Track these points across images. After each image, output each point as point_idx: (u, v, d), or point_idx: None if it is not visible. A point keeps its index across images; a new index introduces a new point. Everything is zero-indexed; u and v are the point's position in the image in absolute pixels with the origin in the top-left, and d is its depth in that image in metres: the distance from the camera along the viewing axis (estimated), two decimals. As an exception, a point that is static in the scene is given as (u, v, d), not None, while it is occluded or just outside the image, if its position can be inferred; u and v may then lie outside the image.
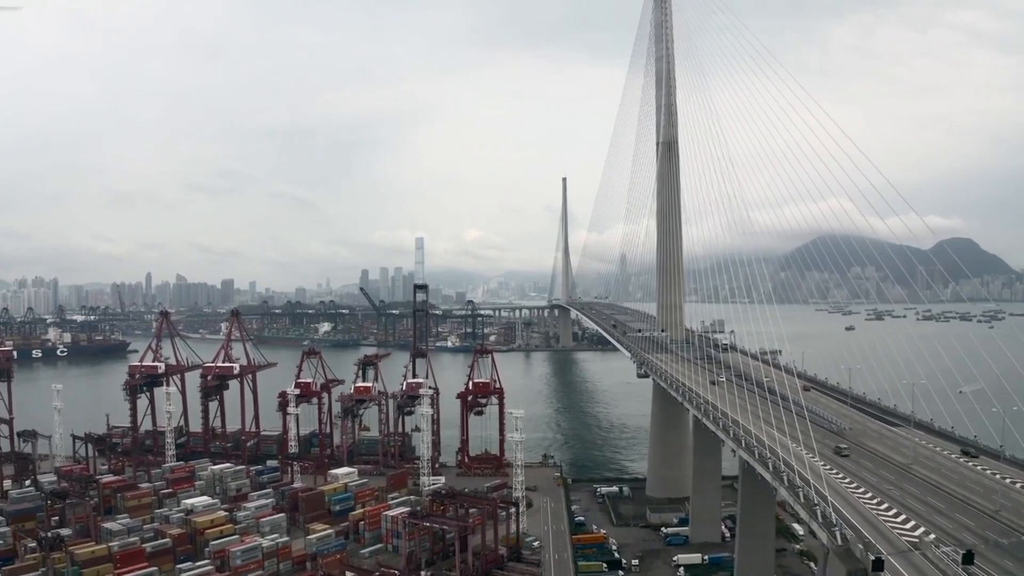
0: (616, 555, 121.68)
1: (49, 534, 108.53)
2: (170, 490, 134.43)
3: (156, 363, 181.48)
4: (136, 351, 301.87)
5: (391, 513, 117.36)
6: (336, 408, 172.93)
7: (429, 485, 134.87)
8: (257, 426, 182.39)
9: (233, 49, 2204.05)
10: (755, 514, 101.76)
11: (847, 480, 76.15)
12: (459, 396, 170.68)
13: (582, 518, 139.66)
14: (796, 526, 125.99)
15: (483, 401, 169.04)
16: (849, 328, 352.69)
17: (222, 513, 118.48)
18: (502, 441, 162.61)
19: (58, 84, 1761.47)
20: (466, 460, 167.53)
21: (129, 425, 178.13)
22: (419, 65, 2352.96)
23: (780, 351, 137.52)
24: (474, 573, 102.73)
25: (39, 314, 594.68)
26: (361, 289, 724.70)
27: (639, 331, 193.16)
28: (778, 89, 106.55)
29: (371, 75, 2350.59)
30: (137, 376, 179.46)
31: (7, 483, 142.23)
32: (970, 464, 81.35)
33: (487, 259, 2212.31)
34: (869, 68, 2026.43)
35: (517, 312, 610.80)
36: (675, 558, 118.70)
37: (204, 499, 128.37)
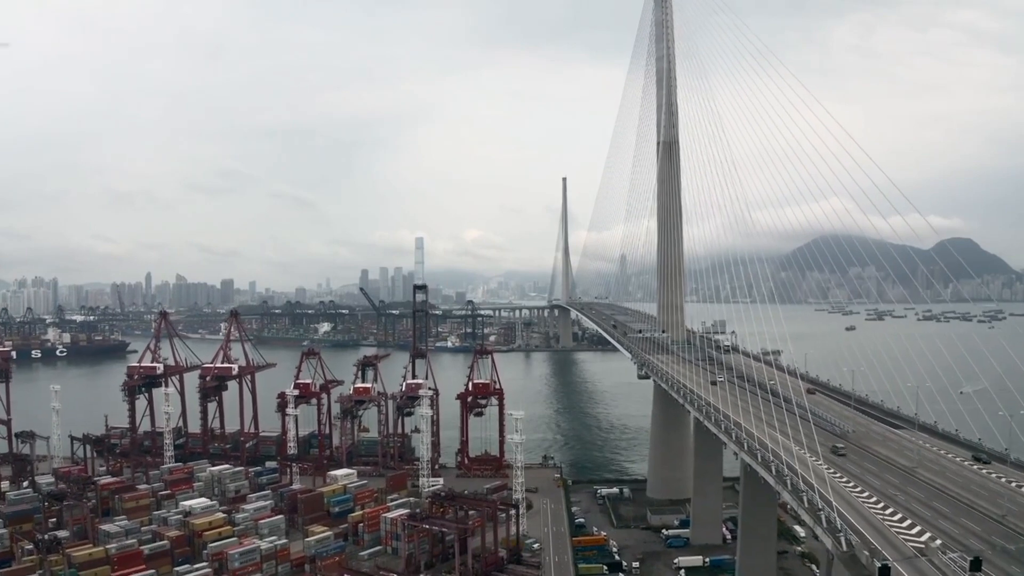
0: (617, 557, 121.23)
1: (46, 536, 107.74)
2: (168, 492, 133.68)
3: (155, 364, 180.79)
4: (136, 351, 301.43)
5: (390, 515, 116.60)
6: (335, 409, 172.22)
7: (428, 486, 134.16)
8: (256, 427, 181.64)
9: (233, 49, 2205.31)
10: (757, 516, 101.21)
11: (851, 484, 75.40)
12: (459, 397, 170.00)
13: (582, 520, 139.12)
14: (798, 528, 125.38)
15: (483, 402, 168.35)
16: (849, 328, 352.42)
17: (220, 515, 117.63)
18: (502, 442, 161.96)
19: (58, 84, 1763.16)
20: (466, 461, 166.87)
21: (128, 426, 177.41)
22: (419, 65, 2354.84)
23: (781, 351, 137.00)
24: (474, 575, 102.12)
25: (38, 314, 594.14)
26: (361, 289, 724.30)
27: (640, 332, 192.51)
28: (780, 88, 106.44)
29: (371, 75, 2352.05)
30: (135, 377, 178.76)
31: (5, 484, 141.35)
32: (984, 472, 79.45)
33: (487, 259, 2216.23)
34: (869, 67, 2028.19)
35: (517, 312, 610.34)
36: (676, 560, 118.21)
37: (202, 501, 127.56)
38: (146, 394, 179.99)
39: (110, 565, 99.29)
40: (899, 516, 65.45)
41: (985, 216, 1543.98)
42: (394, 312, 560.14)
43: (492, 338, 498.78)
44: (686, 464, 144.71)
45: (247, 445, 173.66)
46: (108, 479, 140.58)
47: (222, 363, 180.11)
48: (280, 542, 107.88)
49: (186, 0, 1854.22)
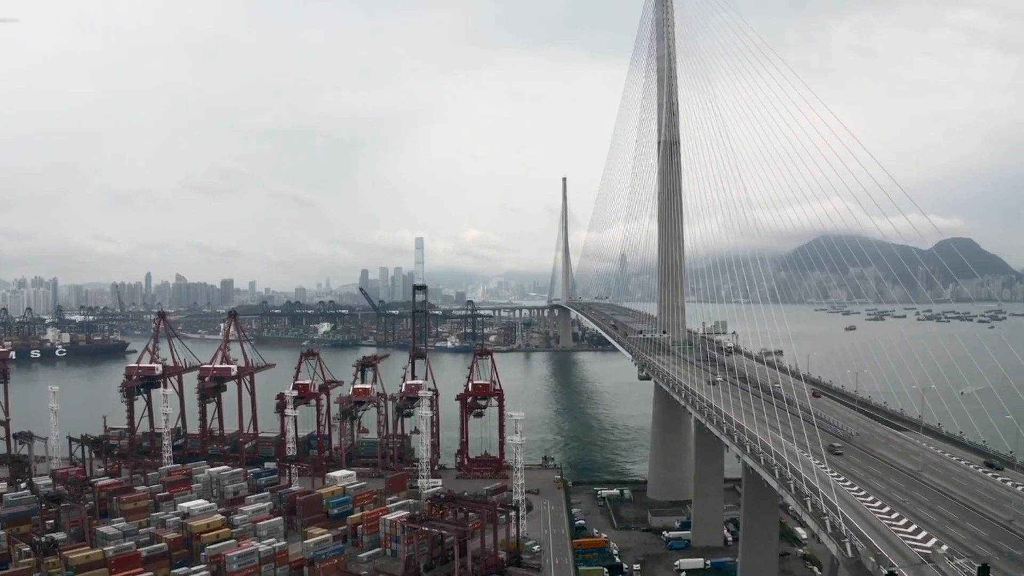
0: (617, 559, 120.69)
1: (43, 538, 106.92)
2: (167, 493, 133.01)
3: (153, 364, 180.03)
4: (135, 351, 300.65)
5: (389, 517, 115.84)
6: (334, 410, 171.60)
7: (427, 488, 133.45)
8: (255, 428, 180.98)
9: (233, 49, 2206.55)
10: (758, 518, 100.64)
11: (855, 488, 74.60)
12: (459, 398, 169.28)
13: (582, 521, 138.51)
14: (799, 530, 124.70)
15: (483, 403, 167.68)
16: (850, 328, 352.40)
17: (219, 517, 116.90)
18: (502, 443, 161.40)
19: (58, 84, 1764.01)
20: (465, 462, 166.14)
21: (126, 427, 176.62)
22: (419, 65, 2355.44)
23: (782, 351, 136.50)
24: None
25: (38, 314, 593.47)
26: (361, 289, 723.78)
27: (640, 333, 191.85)
28: (781, 88, 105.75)
29: (371, 75, 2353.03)
30: (134, 377, 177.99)
31: (2, 486, 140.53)
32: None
33: (487, 259, 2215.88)
34: (869, 67, 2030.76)
35: (517, 312, 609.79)
36: (677, 563, 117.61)
37: (201, 502, 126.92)
38: (145, 395, 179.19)
39: (107, 567, 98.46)
40: (904, 521, 64.65)
41: (985, 216, 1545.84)
42: (394, 312, 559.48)
43: (492, 338, 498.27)
44: (687, 465, 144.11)
45: (246, 446, 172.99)
46: (106, 480, 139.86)
47: (221, 364, 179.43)
48: (279, 544, 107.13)
49: (186, 0, 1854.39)
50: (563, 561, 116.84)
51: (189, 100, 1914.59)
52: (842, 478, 76.73)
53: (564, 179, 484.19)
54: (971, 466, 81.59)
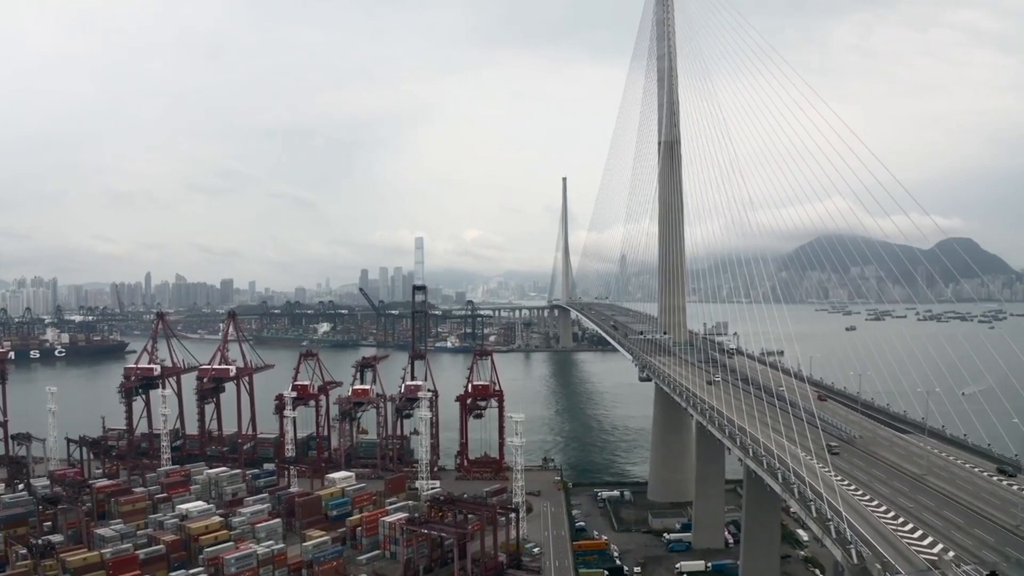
0: (618, 562, 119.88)
1: (40, 540, 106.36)
2: (165, 494, 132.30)
3: (152, 365, 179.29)
4: (135, 352, 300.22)
5: (389, 519, 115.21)
6: (334, 411, 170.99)
7: (427, 489, 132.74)
8: (254, 429, 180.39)
9: (233, 49, 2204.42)
10: (760, 520, 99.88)
11: (859, 491, 73.83)
12: (458, 399, 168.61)
13: (583, 523, 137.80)
14: (801, 532, 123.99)
15: (482, 404, 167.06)
16: (850, 328, 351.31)
17: (217, 519, 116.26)
18: (501, 444, 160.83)
19: (58, 84, 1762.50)
20: (465, 464, 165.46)
21: (125, 428, 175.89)
22: (419, 65, 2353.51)
23: (783, 351, 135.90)
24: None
25: (38, 314, 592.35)
26: (360, 289, 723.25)
27: (641, 333, 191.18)
28: (782, 87, 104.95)
29: (371, 75, 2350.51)
30: (132, 378, 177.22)
31: (0, 487, 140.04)
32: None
33: (487, 259, 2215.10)
34: (869, 67, 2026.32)
35: (517, 312, 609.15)
36: (678, 565, 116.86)
37: (199, 504, 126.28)
38: (143, 396, 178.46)
39: (105, 570, 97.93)
40: (910, 526, 63.83)
41: (985, 216, 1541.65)
42: (394, 312, 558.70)
43: (492, 338, 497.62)
44: (687, 466, 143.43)
45: (245, 447, 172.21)
46: (104, 482, 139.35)
47: (220, 364, 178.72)
48: (277, 546, 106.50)
49: (186, 0, 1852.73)
50: (563, 563, 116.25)
51: (189, 100, 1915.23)
52: (846, 482, 75.99)
53: (564, 179, 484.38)
54: (986, 474, 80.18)
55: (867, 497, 72.33)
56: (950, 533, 62.04)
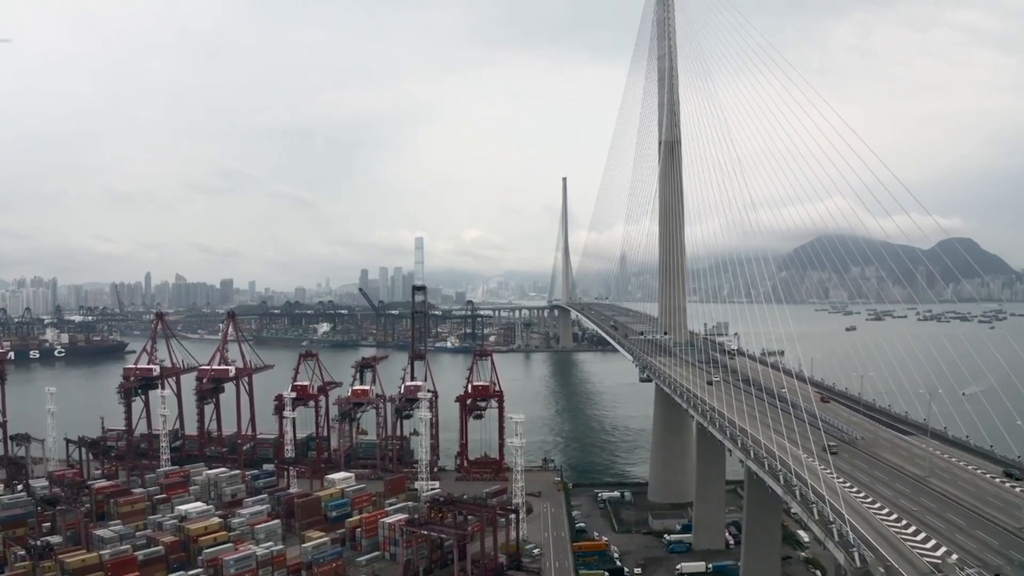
0: (618, 563, 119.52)
1: (39, 542, 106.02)
2: (164, 495, 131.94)
3: (151, 365, 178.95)
4: (134, 352, 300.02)
5: (388, 520, 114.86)
6: (333, 411, 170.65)
7: (426, 490, 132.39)
8: (253, 429, 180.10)
9: (233, 49, 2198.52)
10: (761, 522, 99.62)
11: (862, 494, 73.45)
12: (458, 399, 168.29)
13: (583, 524, 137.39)
14: (802, 533, 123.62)
15: (482, 404, 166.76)
16: (850, 328, 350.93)
17: (216, 520, 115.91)
18: (501, 445, 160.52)
19: (58, 84, 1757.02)
20: (465, 464, 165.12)
21: (124, 428, 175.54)
22: (419, 65, 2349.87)
23: (783, 351, 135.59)
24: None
25: (38, 314, 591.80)
26: (360, 289, 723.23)
27: (641, 334, 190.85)
28: (783, 87, 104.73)
29: (371, 75, 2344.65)
30: (132, 379, 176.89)
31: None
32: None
33: (487, 259, 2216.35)
34: (869, 67, 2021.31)
35: (517, 312, 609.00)
36: (679, 567, 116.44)
37: (198, 505, 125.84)
38: (143, 396, 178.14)
39: (104, 571, 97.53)
40: (913, 529, 63.46)
41: (985, 216, 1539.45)
42: (393, 312, 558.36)
43: (492, 338, 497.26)
44: (688, 467, 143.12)
45: (244, 448, 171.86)
46: (103, 483, 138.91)
47: (219, 364, 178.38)
48: (276, 548, 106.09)
49: (186, 0, 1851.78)
50: (563, 564, 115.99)
51: (189, 100, 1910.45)
52: (848, 484, 75.65)
53: (564, 179, 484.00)
54: (989, 476, 79.76)
55: (869, 499, 71.98)
56: (953, 536, 61.67)
